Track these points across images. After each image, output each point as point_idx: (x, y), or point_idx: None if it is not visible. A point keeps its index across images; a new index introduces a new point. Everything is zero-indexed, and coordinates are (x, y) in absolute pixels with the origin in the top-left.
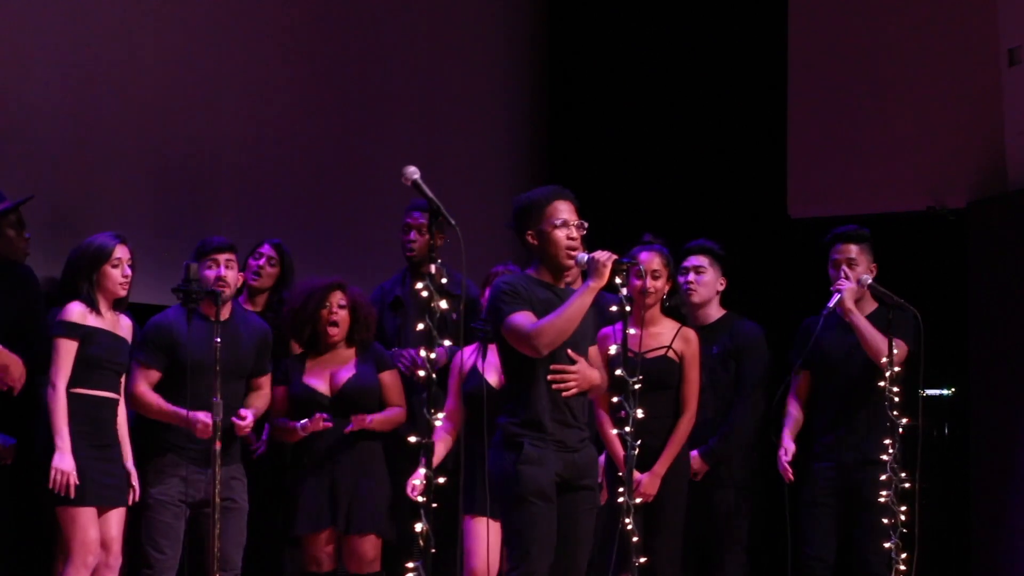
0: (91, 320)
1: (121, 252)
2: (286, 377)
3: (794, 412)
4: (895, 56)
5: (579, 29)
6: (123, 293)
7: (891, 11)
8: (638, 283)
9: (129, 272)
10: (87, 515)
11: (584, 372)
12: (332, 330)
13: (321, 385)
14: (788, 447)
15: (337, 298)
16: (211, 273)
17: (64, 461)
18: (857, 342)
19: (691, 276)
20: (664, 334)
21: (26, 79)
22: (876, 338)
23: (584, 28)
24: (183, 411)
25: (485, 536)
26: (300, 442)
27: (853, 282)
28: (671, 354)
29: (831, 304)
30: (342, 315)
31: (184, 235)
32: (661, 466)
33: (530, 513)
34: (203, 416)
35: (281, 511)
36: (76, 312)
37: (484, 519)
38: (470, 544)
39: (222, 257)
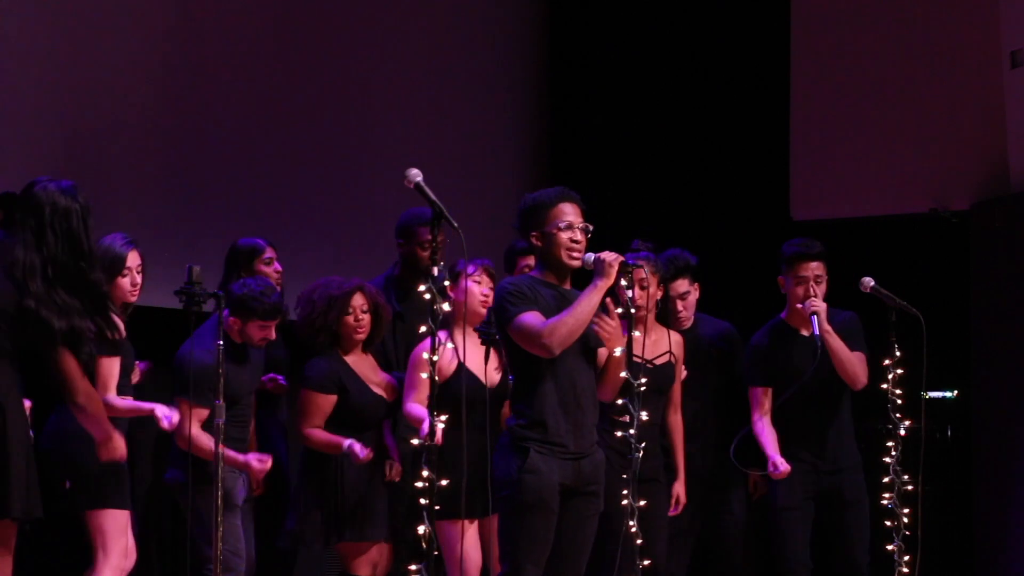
0: None
1: (132, 260)
2: (339, 385)
3: (770, 430)
4: (897, 58)
5: (581, 30)
6: (133, 299)
7: (893, 13)
8: (630, 293)
9: (139, 280)
10: (126, 518)
11: (619, 330)
12: (359, 335)
13: (383, 393)
14: (779, 463)
15: (359, 302)
16: (261, 334)
17: (161, 408)
18: (826, 354)
19: (679, 305)
20: (661, 340)
21: (28, 84)
22: (852, 362)
23: (586, 29)
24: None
25: (459, 542)
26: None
27: (821, 300)
28: (672, 359)
29: (816, 331)
30: (366, 319)
31: (184, 236)
32: (682, 471)
33: (529, 524)
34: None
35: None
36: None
37: (459, 523)
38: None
39: (274, 323)
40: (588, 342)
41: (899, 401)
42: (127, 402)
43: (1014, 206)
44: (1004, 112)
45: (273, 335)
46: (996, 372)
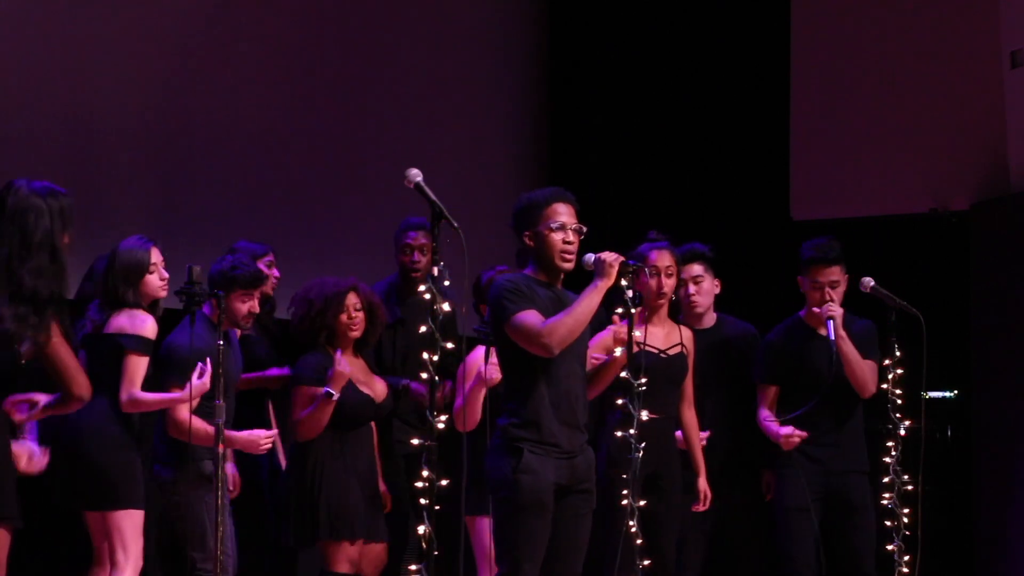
0: None
1: (155, 256)
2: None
3: (773, 420)
4: (897, 58)
5: (580, 30)
6: (164, 294)
7: (893, 14)
8: (650, 282)
9: (166, 275)
10: (141, 518)
11: None
12: (352, 333)
13: (371, 393)
14: (788, 432)
15: (353, 300)
16: (245, 307)
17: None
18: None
19: (691, 288)
20: (672, 333)
21: (32, 84)
22: (863, 369)
23: (585, 29)
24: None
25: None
26: (302, 450)
27: (838, 305)
28: (684, 351)
29: (831, 335)
30: (360, 317)
31: (183, 235)
32: (703, 466)
33: (526, 524)
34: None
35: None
36: (153, 329)
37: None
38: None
39: (257, 292)
40: (581, 342)
41: (899, 401)
42: (153, 395)
43: (1014, 206)
44: (1004, 112)
45: (257, 307)
46: (996, 372)
